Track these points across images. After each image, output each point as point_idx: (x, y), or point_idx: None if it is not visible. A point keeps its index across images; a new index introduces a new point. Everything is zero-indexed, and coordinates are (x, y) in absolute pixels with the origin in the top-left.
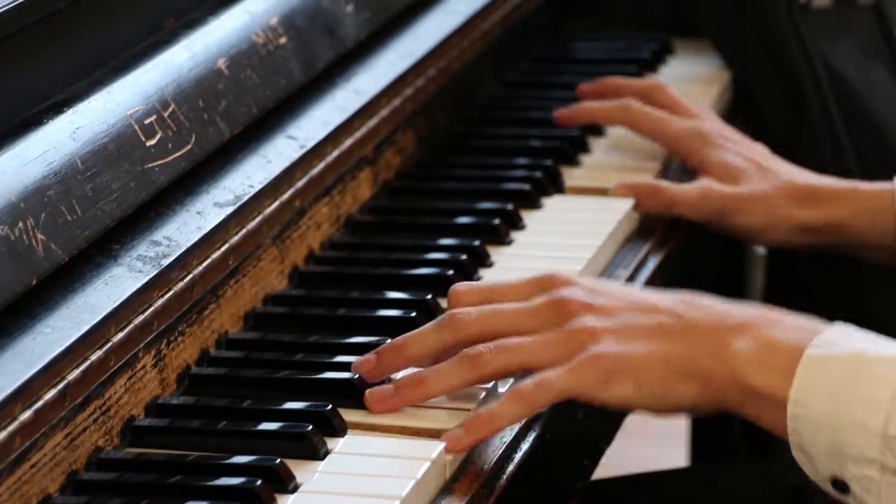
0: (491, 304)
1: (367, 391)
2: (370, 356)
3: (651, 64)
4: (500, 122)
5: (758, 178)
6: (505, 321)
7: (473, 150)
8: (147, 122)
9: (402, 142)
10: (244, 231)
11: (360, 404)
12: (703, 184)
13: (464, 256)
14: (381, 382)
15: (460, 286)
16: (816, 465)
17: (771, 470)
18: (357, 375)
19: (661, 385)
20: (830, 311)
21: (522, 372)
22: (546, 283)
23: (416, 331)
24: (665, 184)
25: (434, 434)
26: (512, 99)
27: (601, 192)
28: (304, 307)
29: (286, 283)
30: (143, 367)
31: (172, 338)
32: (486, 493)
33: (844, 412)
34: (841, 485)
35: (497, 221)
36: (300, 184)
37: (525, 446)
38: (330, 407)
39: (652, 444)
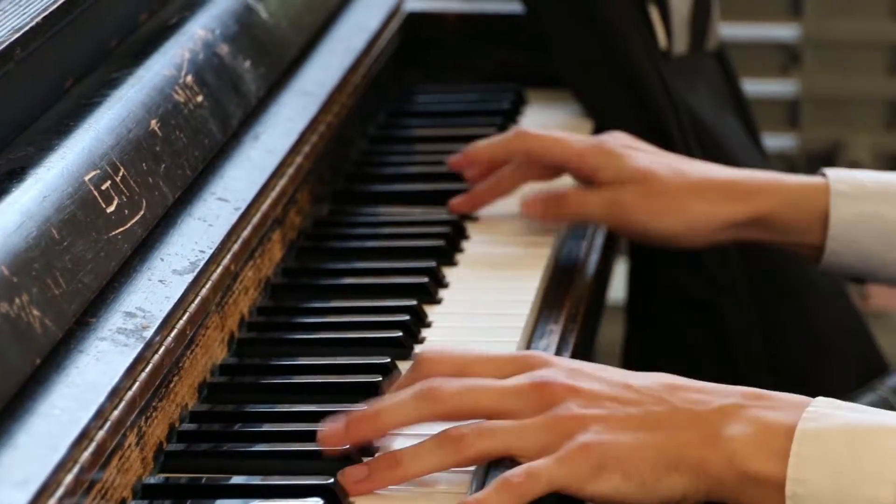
0: (466, 377)
1: (341, 472)
2: (338, 425)
3: (512, 114)
4: (380, 178)
5: (671, 178)
6: (486, 399)
7: (367, 204)
8: (104, 187)
9: (301, 201)
10: (199, 299)
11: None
12: (612, 191)
13: (407, 317)
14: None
15: (431, 352)
16: None
17: None
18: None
19: (651, 476)
20: (696, 360)
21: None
22: (524, 363)
23: (391, 400)
24: (571, 192)
25: None
26: (382, 154)
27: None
28: (244, 376)
29: (226, 351)
30: (129, 445)
31: (149, 414)
32: None
33: (851, 487)
34: None
35: (426, 280)
36: (236, 247)
37: None
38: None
39: None
